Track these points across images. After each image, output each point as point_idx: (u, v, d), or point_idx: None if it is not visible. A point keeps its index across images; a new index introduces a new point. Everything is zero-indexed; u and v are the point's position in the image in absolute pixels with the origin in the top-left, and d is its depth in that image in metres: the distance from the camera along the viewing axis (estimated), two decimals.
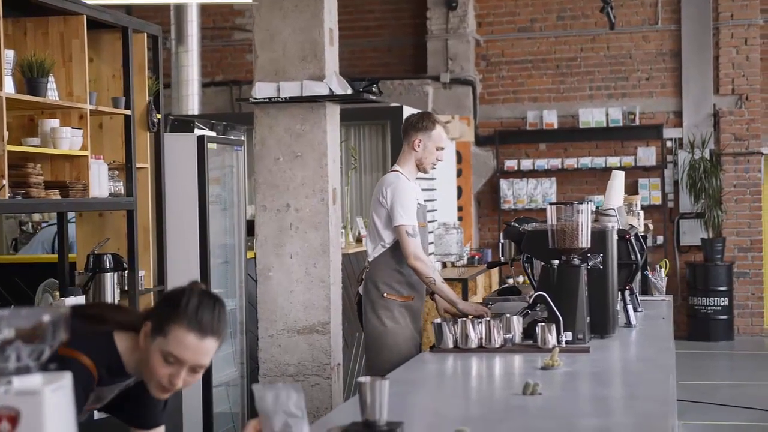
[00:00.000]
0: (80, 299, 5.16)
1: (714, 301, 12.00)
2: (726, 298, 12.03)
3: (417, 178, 5.34)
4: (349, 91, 5.85)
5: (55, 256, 5.89)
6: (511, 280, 12.07)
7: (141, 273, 5.71)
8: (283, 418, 2.57)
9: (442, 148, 5.27)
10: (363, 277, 5.30)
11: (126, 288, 5.59)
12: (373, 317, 5.17)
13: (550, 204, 4.41)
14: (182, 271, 6.14)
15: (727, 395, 8.93)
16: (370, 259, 5.24)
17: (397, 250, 5.13)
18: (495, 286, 10.43)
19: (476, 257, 10.71)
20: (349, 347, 7.17)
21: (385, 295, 5.14)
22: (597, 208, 5.45)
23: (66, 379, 1.78)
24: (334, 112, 6.01)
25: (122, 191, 5.60)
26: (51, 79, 4.97)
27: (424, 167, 5.26)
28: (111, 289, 5.44)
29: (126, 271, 5.57)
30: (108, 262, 5.43)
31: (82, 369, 2.50)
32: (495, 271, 10.90)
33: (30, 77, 4.85)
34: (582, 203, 4.38)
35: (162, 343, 2.50)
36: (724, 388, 9.43)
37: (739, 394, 9.00)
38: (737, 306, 12.27)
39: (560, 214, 4.36)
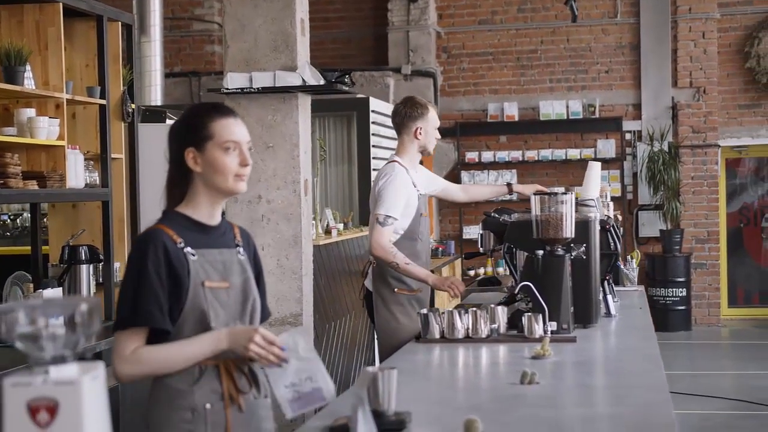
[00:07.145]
0: (57, 291, 5.09)
1: (672, 291, 12.13)
2: (684, 289, 12.17)
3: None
4: (322, 82, 5.83)
5: (28, 248, 5.80)
6: (472, 272, 12.14)
7: (116, 264, 5.64)
8: (295, 364, 2.55)
9: (438, 126, 5.41)
10: (368, 271, 5.22)
11: (101, 280, 5.52)
12: (386, 313, 5.10)
13: (535, 194, 4.41)
14: None
15: (686, 385, 9.04)
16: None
17: (402, 242, 5.06)
18: (459, 278, 10.46)
19: (440, 249, 10.74)
20: (320, 339, 7.15)
21: (396, 290, 5.09)
22: None
23: (100, 368, 1.76)
24: (305, 102, 5.99)
25: (97, 182, 5.53)
26: (28, 67, 4.90)
27: (429, 150, 5.35)
28: (86, 281, 5.36)
29: (101, 263, 5.50)
30: (84, 253, 5.35)
31: (154, 229, 2.77)
32: (458, 262, 10.94)
33: (7, 65, 4.78)
34: (566, 194, 4.40)
35: (215, 144, 2.78)
36: (682, 378, 9.53)
37: (698, 384, 9.10)
38: (695, 297, 12.42)
39: (544, 205, 4.37)
